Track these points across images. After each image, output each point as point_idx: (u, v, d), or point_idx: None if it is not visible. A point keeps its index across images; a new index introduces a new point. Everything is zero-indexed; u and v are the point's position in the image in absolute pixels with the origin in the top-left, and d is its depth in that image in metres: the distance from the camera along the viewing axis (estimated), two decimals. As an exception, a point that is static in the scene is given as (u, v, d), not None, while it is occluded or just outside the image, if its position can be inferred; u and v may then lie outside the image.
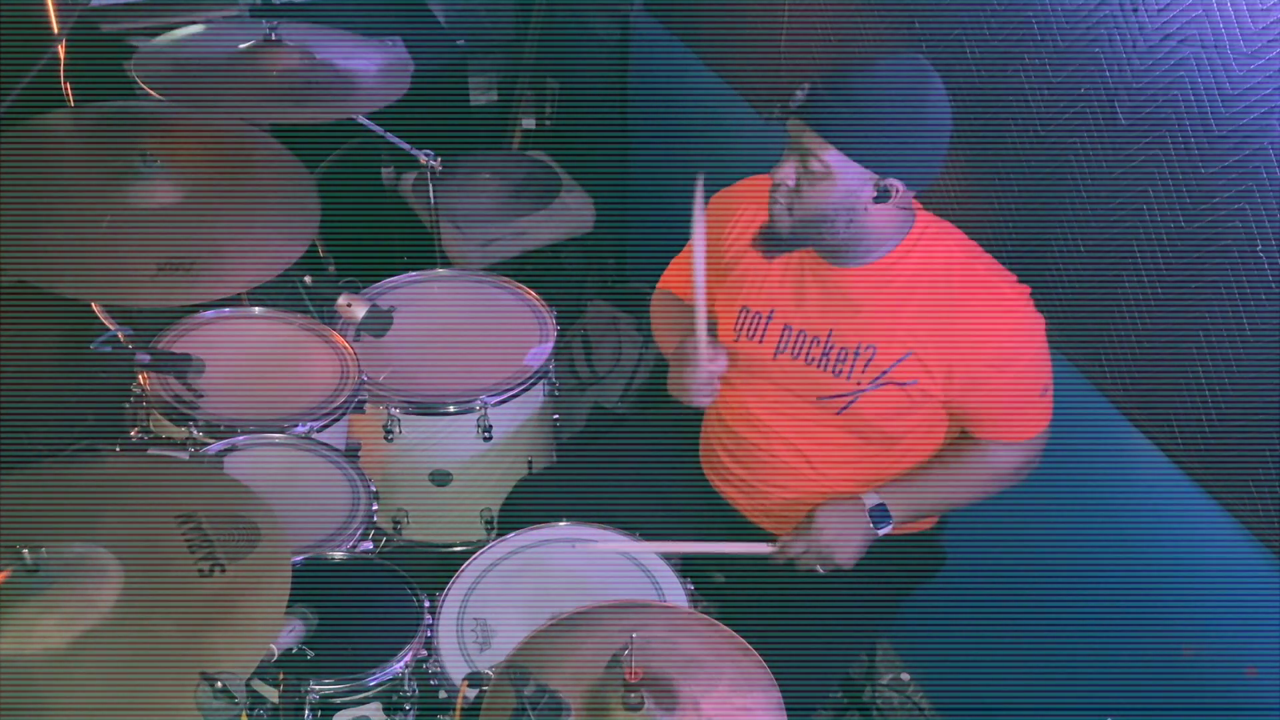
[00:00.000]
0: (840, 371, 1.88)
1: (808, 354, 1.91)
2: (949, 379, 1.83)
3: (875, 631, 2.27)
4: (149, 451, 2.12)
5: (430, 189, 2.76)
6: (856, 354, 1.86)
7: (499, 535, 2.02)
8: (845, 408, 1.89)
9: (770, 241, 1.86)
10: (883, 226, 1.80)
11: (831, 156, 1.71)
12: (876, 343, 1.85)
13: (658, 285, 2.26)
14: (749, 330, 1.97)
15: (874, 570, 1.96)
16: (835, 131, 1.70)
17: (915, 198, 1.83)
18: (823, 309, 1.89)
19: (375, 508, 2.07)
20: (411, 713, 1.80)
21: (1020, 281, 1.84)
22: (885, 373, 1.85)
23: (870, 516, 1.90)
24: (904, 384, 1.84)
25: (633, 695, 1.42)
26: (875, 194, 1.74)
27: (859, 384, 1.87)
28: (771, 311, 1.95)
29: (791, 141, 1.76)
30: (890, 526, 1.92)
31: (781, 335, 1.93)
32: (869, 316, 1.86)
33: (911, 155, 1.74)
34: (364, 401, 2.31)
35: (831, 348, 1.89)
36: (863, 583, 1.97)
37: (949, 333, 1.81)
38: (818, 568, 1.92)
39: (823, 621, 1.92)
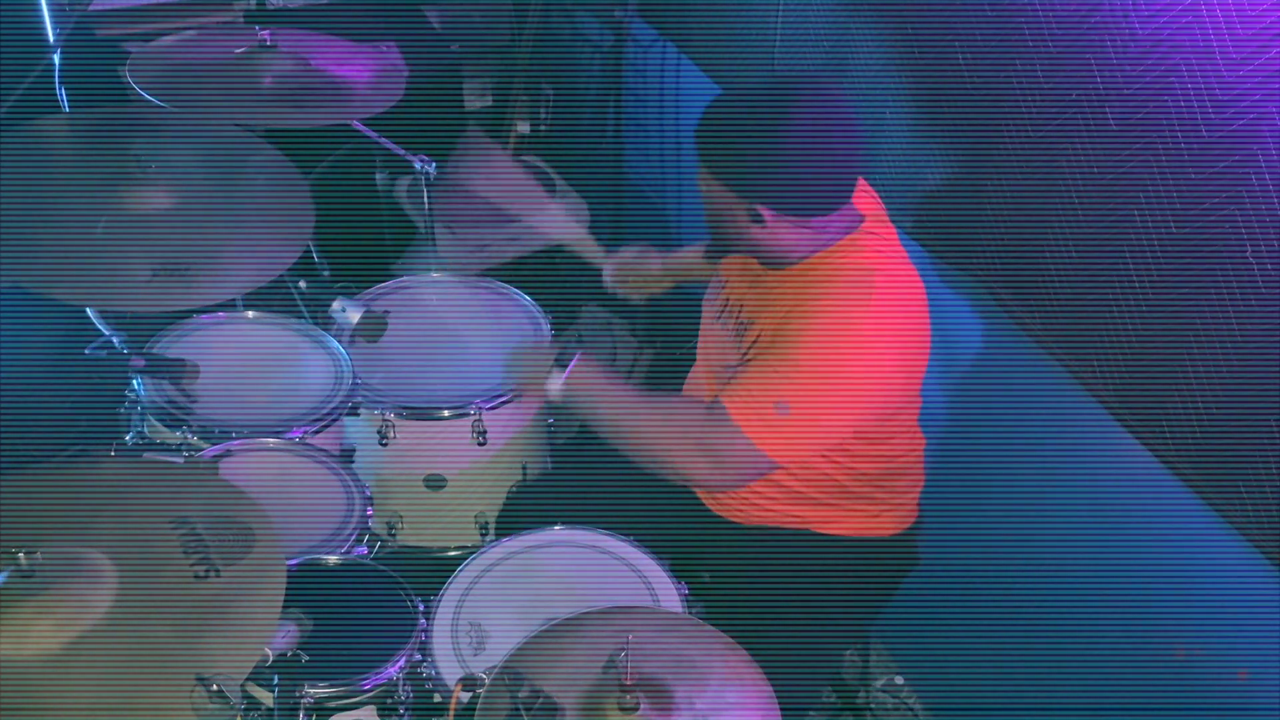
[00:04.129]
0: (738, 339, 1.95)
1: (727, 325, 2.00)
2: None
3: (857, 631, 2.29)
4: (144, 455, 2.12)
5: (425, 193, 2.76)
6: (747, 327, 1.93)
7: (494, 539, 2.03)
8: (729, 380, 1.92)
9: (709, 247, 1.99)
10: (784, 242, 1.83)
11: (707, 171, 1.79)
12: (758, 321, 1.91)
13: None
14: (712, 292, 2.08)
15: (851, 570, 1.99)
16: (701, 149, 1.78)
17: (886, 212, 1.90)
18: (749, 288, 1.97)
19: (370, 512, 2.08)
20: (406, 716, 1.81)
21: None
22: (751, 346, 1.90)
23: (556, 356, 1.97)
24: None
25: (628, 697, 1.43)
26: (749, 217, 1.78)
27: (741, 354, 1.93)
28: (726, 281, 2.05)
29: None
30: (559, 380, 1.94)
31: (724, 306, 2.03)
32: (766, 300, 1.91)
33: (771, 182, 1.75)
34: (358, 406, 2.32)
35: (739, 317, 1.97)
36: (840, 582, 2.01)
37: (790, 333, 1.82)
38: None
39: (805, 620, 1.95)
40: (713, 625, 1.63)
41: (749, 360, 1.89)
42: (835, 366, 1.78)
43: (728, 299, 2.03)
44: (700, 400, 1.95)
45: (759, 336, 1.89)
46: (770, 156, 1.73)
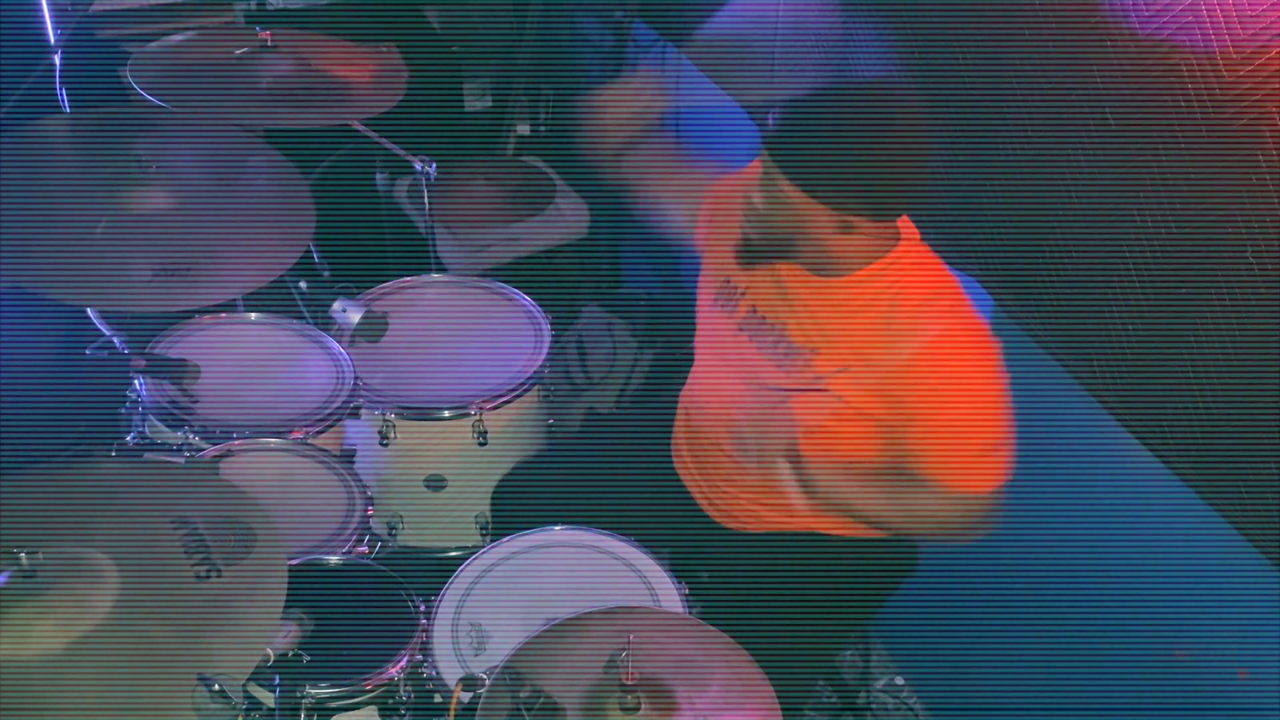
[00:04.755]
0: (784, 366, 1.89)
1: (762, 340, 1.93)
2: (886, 404, 1.81)
3: (856, 631, 2.28)
4: (144, 456, 2.12)
5: (425, 194, 2.76)
6: (800, 353, 1.88)
7: (494, 538, 2.03)
8: (781, 403, 1.89)
9: (745, 252, 1.87)
10: (854, 251, 1.80)
11: (789, 186, 1.69)
12: (821, 348, 1.86)
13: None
14: (724, 301, 2.00)
15: (852, 570, 2.00)
16: (792, 165, 1.69)
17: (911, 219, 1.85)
18: (785, 302, 1.91)
19: (370, 512, 2.08)
20: (407, 716, 1.81)
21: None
22: (820, 380, 1.85)
23: (785, 450, 1.81)
24: (838, 396, 1.84)
25: (629, 697, 1.43)
26: (837, 227, 1.73)
27: (797, 382, 1.88)
28: (745, 290, 1.97)
29: (764, 162, 1.74)
30: (796, 481, 1.79)
31: (748, 314, 1.96)
32: (821, 322, 1.87)
33: (874, 192, 1.71)
34: (359, 406, 2.32)
35: (782, 339, 1.91)
36: (841, 582, 2.00)
37: (889, 360, 1.79)
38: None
39: (804, 620, 1.95)
40: (711, 624, 1.63)
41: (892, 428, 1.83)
42: (983, 373, 1.79)
43: (754, 306, 1.95)
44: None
45: (845, 365, 1.83)
46: (870, 168, 1.68)
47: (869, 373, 1.81)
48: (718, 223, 2.06)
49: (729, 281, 2.00)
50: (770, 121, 1.71)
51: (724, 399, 2.01)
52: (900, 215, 1.80)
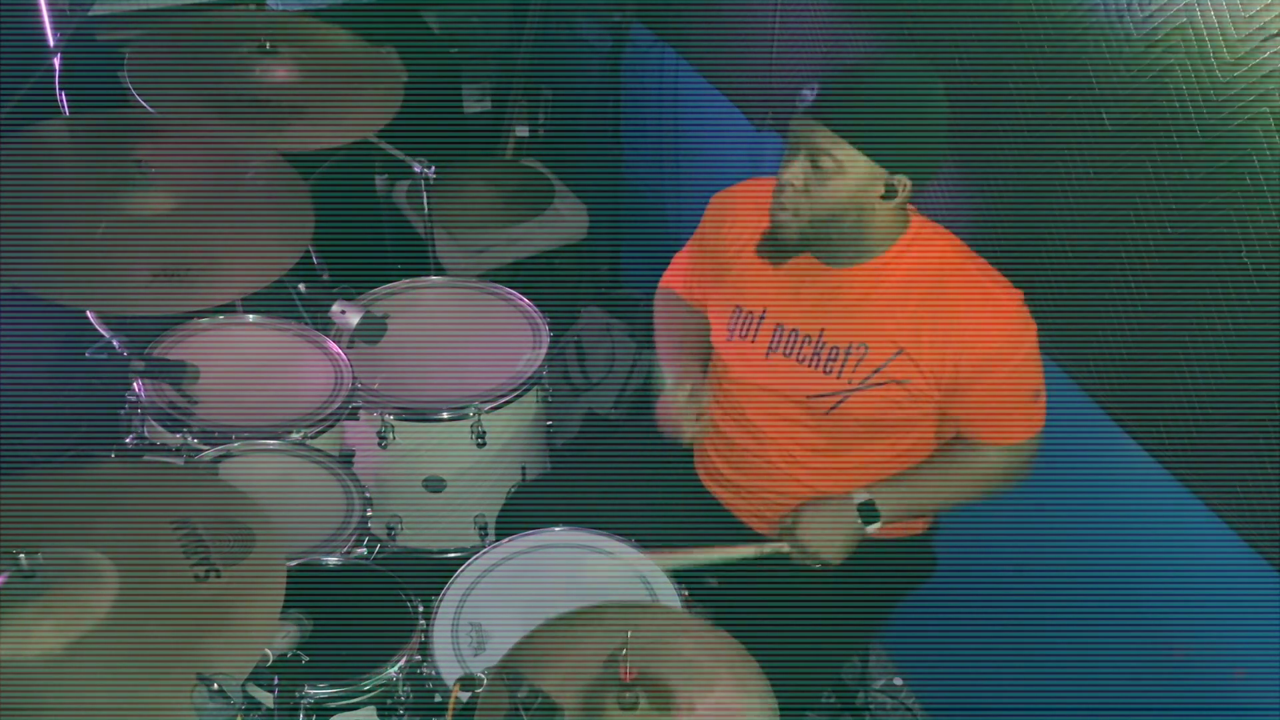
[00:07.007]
0: (831, 370, 1.89)
1: (799, 353, 1.93)
2: (939, 378, 1.85)
3: (866, 635, 2.28)
4: (144, 457, 2.13)
5: (424, 196, 2.77)
6: (848, 353, 1.88)
7: (494, 540, 2.03)
8: (834, 407, 1.90)
9: (775, 248, 1.86)
10: (883, 226, 1.83)
11: (843, 152, 1.73)
12: (868, 341, 1.87)
13: (660, 283, 2.28)
14: (741, 330, 1.99)
15: (865, 574, 1.97)
16: (850, 127, 1.72)
17: (910, 201, 1.86)
18: (815, 308, 1.91)
19: (369, 513, 2.08)
20: (405, 716, 1.81)
21: (1011, 285, 1.86)
22: (877, 371, 1.86)
23: (859, 513, 1.91)
24: (898, 382, 1.86)
25: (628, 695, 1.43)
26: (884, 191, 1.77)
27: (849, 383, 1.88)
28: (764, 311, 1.96)
29: (797, 141, 1.77)
30: (879, 524, 1.92)
31: (774, 335, 1.95)
32: (861, 315, 1.87)
33: (918, 152, 1.77)
34: (358, 408, 2.32)
35: (823, 346, 1.90)
36: (854, 586, 1.98)
37: (939, 332, 1.83)
38: (811, 564, 1.93)
39: (814, 624, 1.93)
40: (718, 626, 1.62)
41: (959, 393, 1.87)
42: (1021, 327, 1.84)
43: (780, 323, 1.95)
44: (972, 445, 1.97)
45: (900, 349, 1.85)
46: (920, 126, 1.76)
47: (921, 351, 1.84)
48: (716, 256, 2.06)
49: (740, 309, 1.99)
50: (810, 94, 1.74)
51: (772, 419, 2.01)
52: (933, 175, 1.82)
